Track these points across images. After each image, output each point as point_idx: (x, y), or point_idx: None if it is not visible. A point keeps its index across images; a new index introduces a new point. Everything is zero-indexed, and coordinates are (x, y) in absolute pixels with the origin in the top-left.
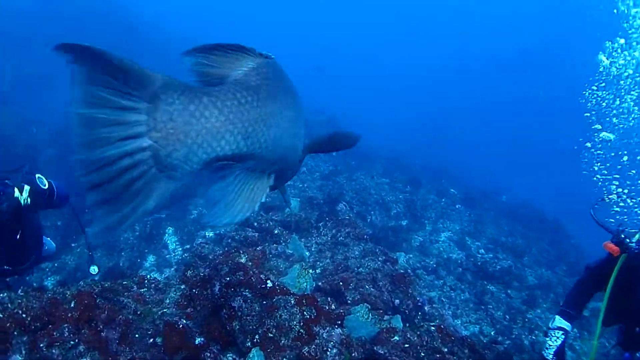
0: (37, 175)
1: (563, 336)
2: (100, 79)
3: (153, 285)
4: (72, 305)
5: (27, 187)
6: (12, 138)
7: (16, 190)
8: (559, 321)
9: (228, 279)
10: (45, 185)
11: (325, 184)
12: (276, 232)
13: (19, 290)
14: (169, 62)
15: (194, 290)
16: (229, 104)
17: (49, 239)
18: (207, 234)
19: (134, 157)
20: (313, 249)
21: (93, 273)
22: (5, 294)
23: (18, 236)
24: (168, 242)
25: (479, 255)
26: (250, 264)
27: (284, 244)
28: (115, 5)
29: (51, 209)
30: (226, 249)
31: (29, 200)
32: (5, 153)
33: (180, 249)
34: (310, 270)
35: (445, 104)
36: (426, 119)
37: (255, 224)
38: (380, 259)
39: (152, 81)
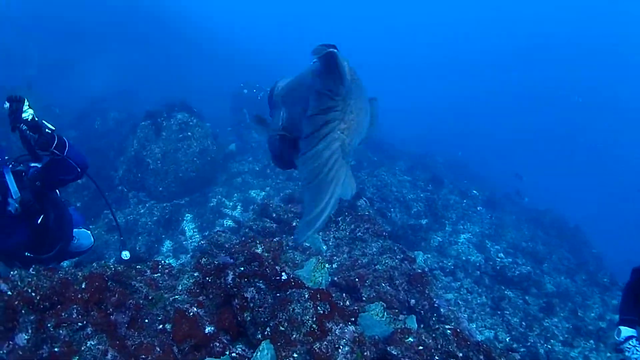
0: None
1: (637, 342)
2: (328, 79)
3: (167, 270)
4: (83, 286)
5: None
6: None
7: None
8: (626, 331)
9: (242, 268)
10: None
11: None
12: (294, 224)
13: (31, 269)
14: (199, 51)
15: (207, 278)
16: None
17: (88, 232)
18: (225, 223)
19: (331, 147)
20: (330, 243)
21: (125, 258)
22: (16, 271)
23: (39, 220)
24: (186, 228)
25: (498, 260)
26: (266, 254)
27: None
28: None
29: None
30: (243, 238)
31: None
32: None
33: (198, 235)
34: (327, 265)
35: (472, 100)
36: (451, 115)
37: (274, 214)
38: (398, 257)
39: (345, 81)
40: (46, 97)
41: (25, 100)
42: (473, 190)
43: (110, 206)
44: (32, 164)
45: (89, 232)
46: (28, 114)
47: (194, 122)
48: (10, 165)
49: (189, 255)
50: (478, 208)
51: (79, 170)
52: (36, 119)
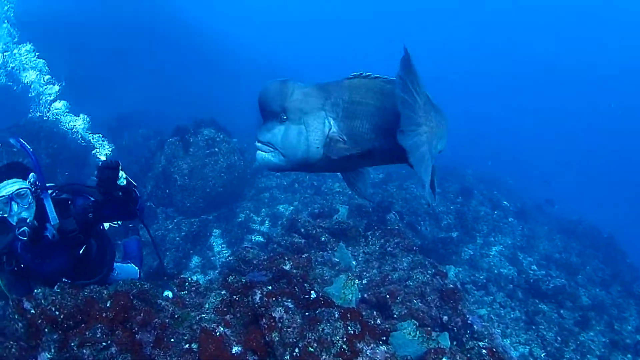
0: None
1: None
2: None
3: (193, 288)
4: (108, 305)
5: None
6: (64, 135)
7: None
8: None
9: (270, 287)
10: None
11: (375, 191)
12: (323, 239)
13: (55, 287)
14: (225, 67)
15: (234, 297)
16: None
17: (136, 269)
18: (254, 238)
19: (422, 138)
20: (360, 259)
21: (168, 296)
22: (40, 289)
23: (81, 250)
24: (214, 244)
25: (531, 272)
26: (294, 271)
27: (330, 251)
28: (165, 10)
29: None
30: (271, 254)
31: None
32: (59, 147)
33: (226, 251)
34: (357, 281)
35: (500, 110)
36: (478, 125)
37: (303, 230)
38: (429, 272)
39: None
40: (74, 111)
41: (119, 164)
42: (504, 201)
43: (157, 248)
44: (81, 196)
45: (137, 268)
46: (122, 179)
47: (221, 137)
48: (54, 193)
49: (217, 272)
50: (509, 219)
51: (137, 215)
52: (129, 180)
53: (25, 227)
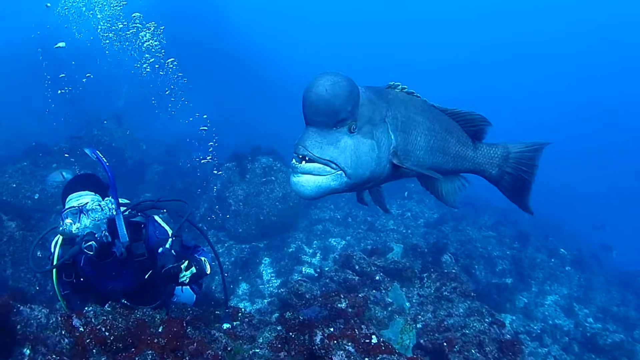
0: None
1: None
2: None
3: (247, 319)
4: (160, 330)
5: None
6: (122, 151)
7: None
8: None
9: (332, 329)
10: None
11: (430, 232)
12: (377, 278)
13: (106, 305)
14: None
15: (290, 334)
16: None
17: (194, 297)
18: (304, 270)
19: None
20: (414, 301)
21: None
22: (91, 307)
23: (147, 276)
24: (263, 272)
25: (588, 325)
26: (350, 310)
27: (384, 291)
28: (221, 32)
29: None
30: (323, 288)
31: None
32: (117, 161)
33: (275, 280)
34: (416, 325)
35: (556, 149)
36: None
37: (357, 267)
38: (486, 320)
39: None
40: (134, 130)
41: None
42: (561, 248)
43: (225, 281)
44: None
45: (195, 295)
46: (186, 278)
47: (278, 166)
48: (128, 212)
49: (265, 301)
50: (566, 268)
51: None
52: (195, 274)
53: (92, 242)
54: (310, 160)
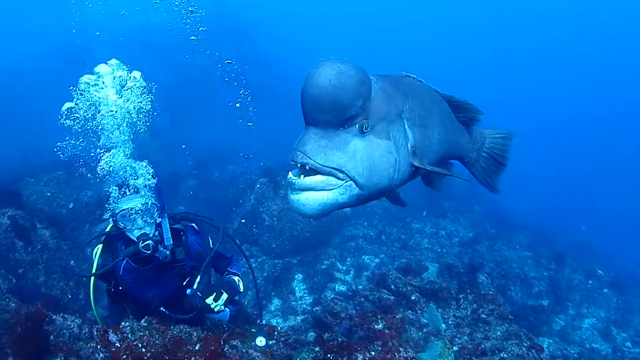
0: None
1: None
2: None
3: (283, 338)
4: (197, 348)
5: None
6: (156, 164)
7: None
8: None
9: (373, 353)
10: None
11: (464, 251)
12: (413, 298)
13: (142, 320)
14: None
15: (329, 355)
16: None
17: (227, 313)
18: (337, 287)
19: None
20: (450, 322)
21: (259, 345)
22: (128, 323)
23: (184, 283)
24: (296, 288)
25: (626, 349)
26: (387, 331)
27: (419, 312)
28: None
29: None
30: (358, 307)
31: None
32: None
33: (308, 297)
34: (454, 348)
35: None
36: (572, 182)
37: (393, 286)
38: (525, 344)
39: None
40: (168, 143)
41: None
42: (598, 270)
43: (259, 298)
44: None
45: (229, 312)
46: (220, 306)
47: None
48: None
49: (298, 318)
50: (604, 290)
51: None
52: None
53: (149, 241)
54: (312, 170)
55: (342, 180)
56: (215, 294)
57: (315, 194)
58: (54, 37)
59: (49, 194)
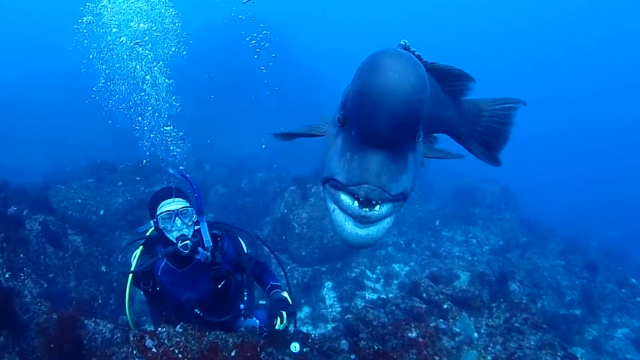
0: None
1: None
2: None
3: (317, 346)
4: (233, 354)
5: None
6: (189, 171)
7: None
8: None
9: None
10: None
11: (495, 259)
12: (445, 306)
13: (178, 327)
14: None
15: None
16: None
17: (257, 322)
18: (367, 295)
19: None
20: (482, 331)
21: (294, 351)
22: (165, 329)
23: (220, 286)
24: (325, 296)
25: None
26: (420, 340)
27: (451, 320)
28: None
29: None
30: (390, 316)
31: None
32: (179, 183)
33: (338, 306)
34: (488, 358)
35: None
36: (605, 185)
37: (425, 294)
38: (559, 353)
39: None
40: (198, 152)
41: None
42: (631, 278)
43: (291, 293)
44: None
45: (258, 322)
46: (281, 326)
47: None
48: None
49: (329, 326)
50: (637, 299)
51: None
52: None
53: (188, 241)
54: (385, 200)
55: (401, 200)
56: (278, 318)
57: (384, 224)
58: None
59: (79, 201)
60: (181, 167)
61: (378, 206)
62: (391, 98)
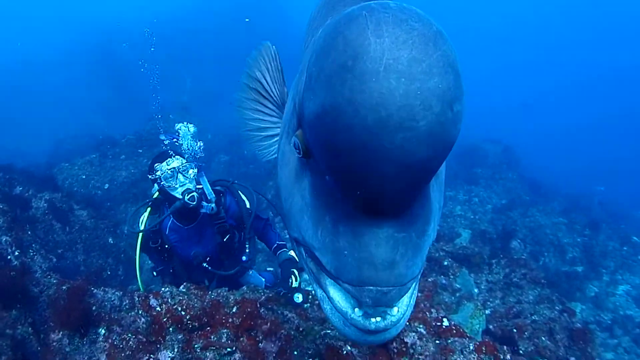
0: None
1: None
2: None
3: (317, 302)
4: (234, 310)
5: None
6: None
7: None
8: None
9: None
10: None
11: (497, 217)
12: (445, 263)
13: (181, 287)
14: None
15: None
16: None
17: (262, 281)
18: None
19: None
20: (482, 287)
21: (296, 301)
22: (167, 288)
23: (225, 239)
24: None
25: None
26: (419, 294)
27: (452, 277)
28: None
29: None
30: None
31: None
32: (183, 153)
33: None
34: (487, 311)
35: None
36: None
37: None
38: (557, 307)
39: None
40: (200, 122)
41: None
42: (633, 236)
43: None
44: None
45: (264, 280)
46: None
47: None
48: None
49: None
50: (639, 257)
51: None
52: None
53: (194, 193)
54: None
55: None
56: (292, 277)
57: (405, 317)
58: (90, 29)
59: (84, 177)
60: (177, 133)
61: (396, 308)
62: (404, 134)
